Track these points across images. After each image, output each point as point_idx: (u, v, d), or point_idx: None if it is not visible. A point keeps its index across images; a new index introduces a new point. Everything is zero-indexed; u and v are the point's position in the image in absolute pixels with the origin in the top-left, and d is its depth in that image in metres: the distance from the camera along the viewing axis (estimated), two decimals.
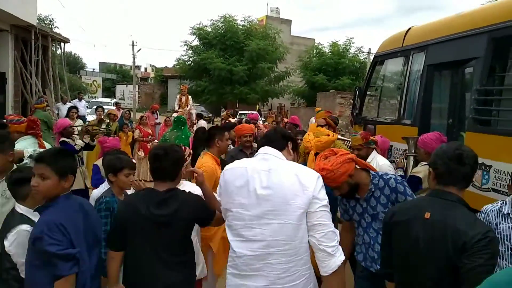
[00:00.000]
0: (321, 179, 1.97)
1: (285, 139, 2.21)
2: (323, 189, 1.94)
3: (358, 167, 2.54)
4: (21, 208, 2.32)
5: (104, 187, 3.15)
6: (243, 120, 9.59)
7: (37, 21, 14.36)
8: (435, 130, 4.18)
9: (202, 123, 10.38)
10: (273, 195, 1.88)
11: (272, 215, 1.87)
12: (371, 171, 2.60)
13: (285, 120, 10.61)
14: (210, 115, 28.98)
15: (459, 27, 4.03)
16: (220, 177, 2.15)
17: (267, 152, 2.07)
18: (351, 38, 29.07)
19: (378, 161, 3.91)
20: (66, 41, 16.83)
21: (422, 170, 3.56)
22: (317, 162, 2.46)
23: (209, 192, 2.45)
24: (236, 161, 2.16)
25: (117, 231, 2.21)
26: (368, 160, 3.88)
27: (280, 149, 2.12)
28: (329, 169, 2.34)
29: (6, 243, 2.18)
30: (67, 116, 7.40)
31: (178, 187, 2.69)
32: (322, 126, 4.30)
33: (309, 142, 3.42)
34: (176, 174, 2.29)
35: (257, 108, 29.27)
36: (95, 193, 3.17)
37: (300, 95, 30.17)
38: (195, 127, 9.34)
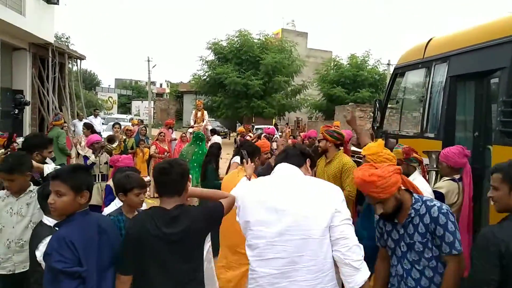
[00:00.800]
0: (341, 192, 2.00)
1: (304, 156, 2.24)
2: (344, 202, 1.95)
3: (401, 186, 2.28)
4: (49, 221, 2.43)
5: (116, 204, 3.17)
6: (262, 135, 9.63)
7: (54, 39, 14.84)
8: (460, 143, 4.12)
9: (216, 138, 10.44)
10: (294, 210, 1.89)
11: (294, 230, 1.87)
12: (414, 194, 2.34)
13: (301, 134, 10.60)
14: (225, 130, 29.25)
15: (483, 37, 4.00)
16: (239, 194, 2.19)
17: (285, 169, 2.12)
18: (369, 50, 29.16)
19: (417, 184, 3.76)
20: (82, 58, 17.32)
21: (444, 186, 3.50)
22: (363, 167, 2.25)
23: (202, 192, 2.48)
24: (258, 178, 2.24)
25: (128, 254, 2.15)
26: None
27: (298, 165, 2.14)
28: (380, 175, 2.10)
29: (37, 253, 2.27)
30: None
31: None
32: (319, 140, 4.26)
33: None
34: (183, 188, 2.24)
35: (273, 122, 29.38)
36: (106, 212, 3.21)
37: (317, 108, 30.20)
38: (209, 143, 9.42)
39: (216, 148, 5.91)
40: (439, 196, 3.35)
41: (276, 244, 1.89)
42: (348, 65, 28.89)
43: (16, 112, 5.68)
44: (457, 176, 3.56)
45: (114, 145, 5.93)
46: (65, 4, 21.17)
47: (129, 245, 2.16)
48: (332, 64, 30.35)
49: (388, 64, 29.53)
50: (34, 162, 3.22)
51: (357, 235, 2.02)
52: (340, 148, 4.22)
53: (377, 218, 2.43)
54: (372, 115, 17.68)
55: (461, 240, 3.54)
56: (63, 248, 1.97)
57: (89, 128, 8.14)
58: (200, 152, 6.62)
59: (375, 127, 5.95)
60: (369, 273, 1.88)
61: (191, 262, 2.19)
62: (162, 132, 9.51)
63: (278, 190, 1.99)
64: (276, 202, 1.94)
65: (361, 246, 1.90)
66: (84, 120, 13.10)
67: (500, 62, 3.67)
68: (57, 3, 13.88)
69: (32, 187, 3.02)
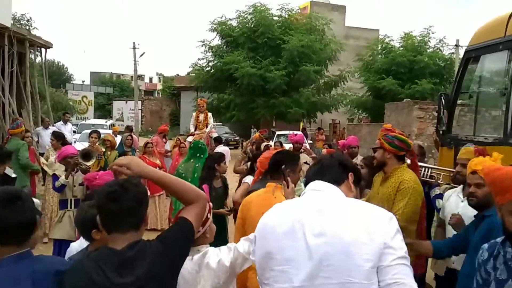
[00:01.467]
0: (395, 221, 1.93)
1: (345, 169, 2.22)
2: (399, 234, 1.89)
3: None
4: None
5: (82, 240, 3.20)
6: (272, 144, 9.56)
7: (12, 22, 15.17)
8: None
9: (223, 149, 10.42)
10: (330, 245, 1.85)
11: (330, 272, 1.83)
12: None
13: (339, 142, 10.56)
14: (237, 138, 29.36)
15: None
16: (261, 220, 2.15)
17: (319, 188, 2.09)
18: (430, 27, 28.91)
19: None
20: (48, 46, 17.65)
21: None
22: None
23: (160, 177, 2.34)
24: (282, 202, 2.19)
25: None
26: None
27: (337, 182, 2.14)
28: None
29: None
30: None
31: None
32: (375, 149, 4.17)
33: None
34: (141, 219, 2.21)
35: (301, 127, 29.38)
36: (73, 248, 3.26)
37: (361, 107, 30.09)
38: None
39: (213, 159, 5.92)
40: None
41: None
42: (401, 48, 28.75)
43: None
44: None
45: (90, 163, 6.02)
46: None
47: None
48: (379, 48, 30.24)
49: (456, 45, 29.32)
50: None
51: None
52: (404, 161, 4.16)
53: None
54: (435, 115, 17.54)
55: None
56: None
57: (59, 138, 8.26)
58: (203, 167, 6.67)
59: (441, 131, 5.90)
60: None
61: None
62: (149, 143, 9.58)
63: (309, 218, 1.95)
64: (308, 234, 1.91)
65: None
66: (51, 128, 13.33)
67: None
68: None
69: None
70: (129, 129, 14.55)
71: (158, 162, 9.24)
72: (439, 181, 4.98)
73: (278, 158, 3.76)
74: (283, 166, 3.51)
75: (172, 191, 2.39)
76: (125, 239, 2.12)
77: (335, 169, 2.18)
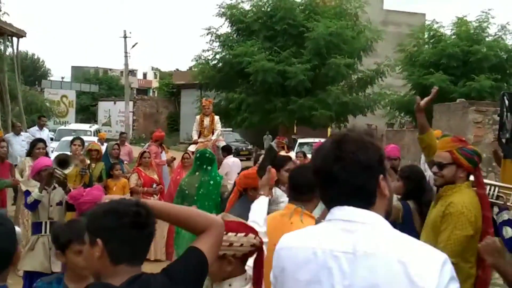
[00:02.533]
0: (449, 266, 1.84)
1: (378, 171, 1.97)
2: (454, 284, 1.82)
3: None
4: None
5: None
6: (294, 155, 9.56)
7: None
8: None
9: (232, 161, 10.41)
10: None
11: None
12: None
13: None
14: (249, 147, 29.39)
15: None
16: (274, 259, 2.10)
17: (351, 219, 1.93)
18: (488, 11, 28.78)
19: None
20: (21, 35, 17.89)
21: None
22: None
23: (176, 212, 2.41)
24: (294, 234, 2.09)
25: None
26: None
27: (369, 203, 1.95)
28: None
29: None
30: (29, 154, 7.88)
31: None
32: (439, 167, 4.08)
33: None
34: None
35: (329, 133, 29.31)
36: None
37: (403, 109, 29.94)
38: (221, 167, 9.43)
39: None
40: None
41: None
42: (454, 37, 28.67)
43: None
44: None
45: (67, 171, 6.04)
46: None
47: None
48: (426, 36, 30.18)
49: None
50: None
51: None
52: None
53: None
54: (497, 119, 17.43)
55: None
56: None
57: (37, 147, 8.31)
58: (211, 182, 6.67)
59: (504, 140, 5.86)
60: None
61: None
62: (146, 152, 9.63)
63: (339, 261, 1.88)
64: (337, 284, 1.87)
65: None
66: (24, 134, 13.47)
67: None
68: None
69: None
70: (123, 137, 14.45)
71: (155, 176, 9.29)
72: (508, 203, 4.92)
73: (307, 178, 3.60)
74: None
75: (177, 222, 2.44)
76: (127, 273, 2.14)
77: (365, 183, 1.91)
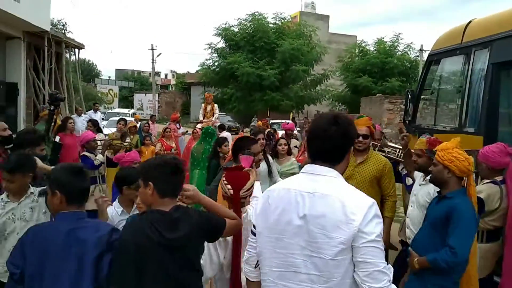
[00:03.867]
0: (375, 208, 1.82)
1: (348, 145, 1.97)
2: (376, 219, 1.81)
3: None
4: None
5: (114, 207, 3.33)
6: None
7: (50, 26, 15.05)
8: (504, 139, 4.08)
9: (226, 135, 10.44)
10: (311, 227, 1.82)
11: (313, 248, 1.82)
12: None
13: None
14: (237, 125, 29.35)
15: None
16: (262, 197, 2.08)
17: (316, 173, 1.91)
18: (399, 34, 28.83)
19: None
20: (81, 47, 17.56)
21: (484, 189, 3.44)
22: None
23: (212, 205, 2.51)
24: (284, 181, 2.08)
25: (126, 266, 2.13)
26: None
27: (337, 161, 1.93)
28: None
29: None
30: (64, 125, 7.75)
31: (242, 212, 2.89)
32: (364, 137, 3.97)
33: (471, 164, 2.86)
34: (181, 187, 2.37)
35: (291, 117, 29.36)
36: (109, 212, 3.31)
37: (340, 100, 30.09)
38: None
39: (217, 142, 5.78)
40: (478, 201, 3.32)
41: (297, 258, 1.85)
42: (375, 52, 28.70)
43: (51, 109, 5.91)
44: (499, 178, 3.52)
45: (126, 142, 5.98)
46: None
47: (126, 253, 2.14)
48: (357, 51, 30.19)
49: (420, 50, 29.25)
50: (39, 162, 3.31)
51: None
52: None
53: None
54: (403, 107, 17.47)
55: (510, 252, 3.55)
56: (17, 248, 2.17)
57: (95, 124, 8.22)
58: (210, 149, 6.68)
59: (407, 121, 5.93)
60: None
61: (192, 269, 2.24)
62: (168, 128, 9.59)
63: (303, 199, 1.87)
64: (294, 216, 1.87)
65: (388, 270, 1.81)
66: (84, 115, 13.33)
67: None
68: None
69: (33, 189, 3.11)
70: (152, 118, 14.41)
71: (173, 145, 9.26)
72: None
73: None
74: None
75: (214, 211, 2.48)
76: (171, 203, 2.24)
77: (337, 148, 1.91)
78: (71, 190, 2.24)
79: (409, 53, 29.22)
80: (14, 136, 4.38)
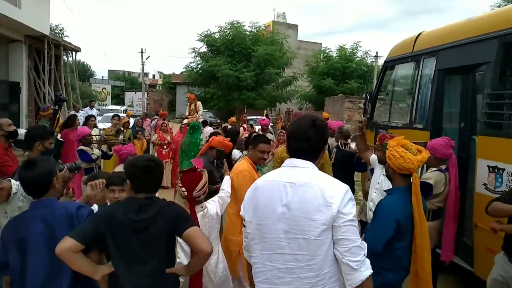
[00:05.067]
0: (349, 193, 1.85)
1: (324, 145, 1.99)
2: (351, 202, 1.84)
3: None
4: None
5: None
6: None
7: (49, 31, 14.62)
8: (447, 134, 4.24)
9: (208, 130, 10.40)
10: (294, 212, 1.82)
11: (297, 231, 1.83)
12: None
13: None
14: (218, 121, 29.21)
15: (470, 32, 4.08)
16: (247, 193, 2.04)
17: (295, 165, 1.92)
18: (358, 42, 29.27)
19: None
20: (77, 50, 17.11)
21: (432, 176, 3.59)
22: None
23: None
24: (268, 174, 2.04)
25: (90, 227, 2.06)
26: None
27: (314, 159, 1.95)
28: None
29: None
30: (84, 124, 7.44)
31: (201, 208, 2.86)
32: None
33: (411, 163, 2.61)
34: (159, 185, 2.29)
35: (265, 113, 29.39)
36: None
37: (307, 99, 30.27)
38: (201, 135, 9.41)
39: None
40: (427, 186, 3.44)
41: (282, 241, 1.85)
42: (337, 57, 28.94)
43: (56, 108, 5.74)
44: (443, 167, 3.66)
45: (120, 138, 5.90)
46: None
47: (94, 221, 2.09)
48: (321, 56, 30.37)
49: (376, 56, 29.69)
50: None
51: None
52: None
53: None
54: (361, 106, 17.67)
55: (448, 228, 3.70)
56: None
57: (94, 118, 8.00)
58: (193, 141, 6.58)
59: (366, 118, 6.02)
60: (369, 272, 1.84)
61: (161, 255, 2.11)
62: (164, 123, 9.56)
63: (285, 188, 1.87)
64: (278, 204, 1.86)
65: (364, 246, 1.85)
66: (81, 112, 13.03)
67: (485, 57, 3.76)
68: None
69: (15, 189, 2.74)
70: (144, 115, 14.20)
71: (168, 137, 9.19)
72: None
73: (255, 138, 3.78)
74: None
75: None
76: (146, 194, 2.18)
77: (316, 148, 1.93)
78: (23, 183, 2.27)
79: (366, 59, 29.60)
80: (17, 130, 4.27)
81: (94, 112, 15.04)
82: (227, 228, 3.61)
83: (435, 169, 3.64)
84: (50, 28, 17.80)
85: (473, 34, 4.01)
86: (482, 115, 3.76)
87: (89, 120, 7.39)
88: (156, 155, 8.80)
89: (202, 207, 2.90)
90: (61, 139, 5.77)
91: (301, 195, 1.83)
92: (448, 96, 4.58)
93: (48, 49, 14.03)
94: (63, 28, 30.49)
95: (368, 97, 5.98)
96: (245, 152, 6.01)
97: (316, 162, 1.96)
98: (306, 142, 1.91)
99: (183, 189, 2.78)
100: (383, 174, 3.73)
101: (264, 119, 9.19)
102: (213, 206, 3.02)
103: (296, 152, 1.95)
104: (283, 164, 1.99)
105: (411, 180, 2.64)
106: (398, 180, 2.67)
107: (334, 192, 1.82)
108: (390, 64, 5.69)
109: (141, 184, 2.16)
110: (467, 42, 4.07)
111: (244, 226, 2.06)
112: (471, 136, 4.21)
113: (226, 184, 3.28)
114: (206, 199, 3.07)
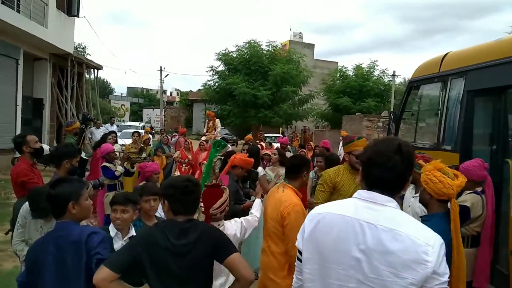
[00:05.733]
0: (444, 246, 1.52)
1: (410, 174, 1.60)
2: (445, 259, 1.50)
3: None
4: None
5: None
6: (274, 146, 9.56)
7: (73, 49, 15.01)
8: (478, 156, 4.09)
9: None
10: (376, 263, 1.49)
11: (375, 285, 1.50)
12: None
13: (312, 143, 10.48)
14: (234, 137, 29.31)
15: (500, 53, 4.00)
16: (305, 223, 1.71)
17: (379, 201, 1.55)
18: (375, 61, 29.11)
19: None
20: (99, 68, 17.50)
21: (469, 199, 3.46)
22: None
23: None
24: (334, 204, 1.70)
25: (125, 253, 2.04)
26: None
27: (398, 191, 1.59)
28: None
29: None
30: (104, 141, 7.47)
31: (218, 225, 2.78)
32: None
33: (451, 188, 2.41)
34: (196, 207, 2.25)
35: (280, 131, 29.37)
36: None
37: (324, 117, 30.16)
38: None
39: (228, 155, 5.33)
40: (465, 209, 3.31)
41: None
42: (354, 76, 28.91)
43: (83, 128, 5.90)
44: (479, 189, 3.53)
45: (142, 156, 5.92)
46: (84, 16, 21.48)
47: (131, 247, 2.05)
48: (338, 75, 30.38)
49: (393, 75, 29.56)
50: None
51: None
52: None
53: None
54: (379, 125, 17.48)
55: (483, 253, 3.53)
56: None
57: (116, 134, 8.10)
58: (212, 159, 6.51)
59: None
60: None
61: (198, 279, 2.06)
62: (187, 141, 9.63)
63: (362, 228, 1.53)
64: (354, 247, 1.53)
65: None
66: (102, 128, 13.20)
67: None
68: (77, 15, 14.07)
69: None
70: (165, 131, 14.46)
71: (190, 156, 9.18)
72: None
73: (295, 162, 3.23)
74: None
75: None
76: (185, 217, 2.12)
77: (400, 177, 1.56)
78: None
79: (383, 77, 29.48)
80: (43, 147, 4.30)
81: (114, 128, 15.25)
82: (271, 267, 3.01)
83: (471, 191, 3.51)
84: (74, 46, 18.32)
85: (504, 55, 3.92)
86: None
87: (109, 136, 7.44)
88: (177, 172, 8.81)
89: (219, 224, 2.82)
90: (84, 158, 5.80)
91: (386, 243, 1.48)
92: (477, 118, 4.45)
93: (71, 66, 14.37)
94: (85, 46, 31.34)
95: (392, 117, 5.90)
96: (266, 169, 5.98)
97: (399, 196, 1.66)
98: (391, 171, 1.54)
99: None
100: (413, 196, 3.61)
101: (283, 137, 9.15)
102: (232, 226, 2.94)
103: (377, 182, 1.57)
104: (357, 195, 1.62)
105: (448, 206, 2.50)
106: (435, 206, 2.50)
107: (429, 246, 1.47)
108: (415, 84, 5.61)
109: (180, 206, 2.11)
110: (498, 63, 3.98)
111: (300, 261, 1.73)
112: (503, 159, 4.06)
113: (255, 208, 3.19)
114: (229, 218, 3.00)
